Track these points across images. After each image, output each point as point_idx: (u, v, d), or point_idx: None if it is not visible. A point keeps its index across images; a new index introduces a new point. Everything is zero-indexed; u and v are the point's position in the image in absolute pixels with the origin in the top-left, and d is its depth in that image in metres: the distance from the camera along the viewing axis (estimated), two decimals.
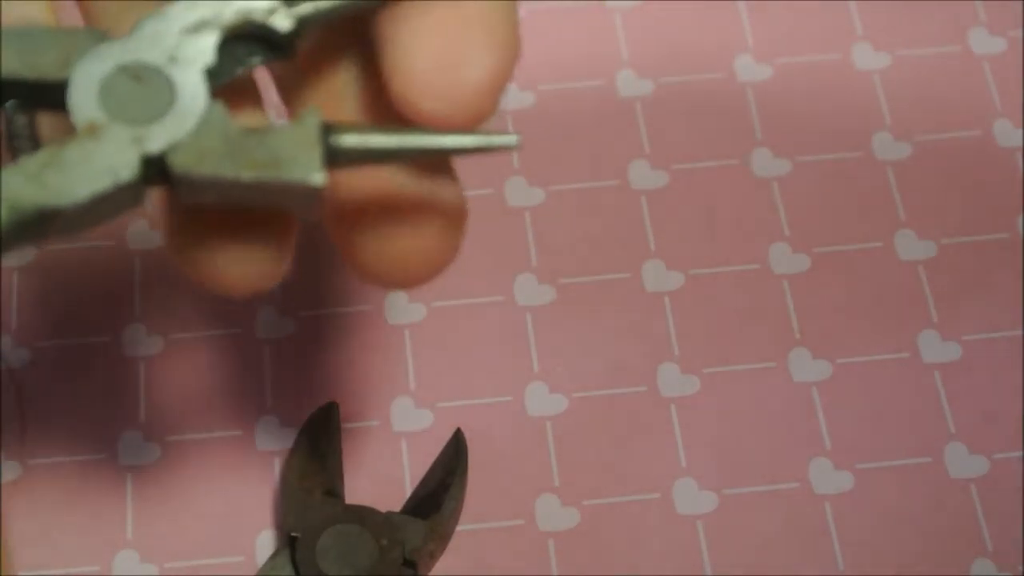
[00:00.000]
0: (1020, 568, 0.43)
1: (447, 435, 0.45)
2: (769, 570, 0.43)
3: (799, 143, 0.50)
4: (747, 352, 0.46)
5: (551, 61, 0.51)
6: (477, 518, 0.44)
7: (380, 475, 0.44)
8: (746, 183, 0.49)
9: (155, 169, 0.29)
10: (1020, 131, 0.50)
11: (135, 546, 0.43)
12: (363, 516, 0.42)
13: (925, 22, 0.52)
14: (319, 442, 0.44)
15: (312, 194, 0.29)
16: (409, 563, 0.42)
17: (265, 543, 0.43)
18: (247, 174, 0.29)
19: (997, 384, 0.46)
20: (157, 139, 0.29)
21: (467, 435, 0.45)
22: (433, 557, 0.42)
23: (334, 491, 0.43)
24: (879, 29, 0.52)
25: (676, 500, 0.44)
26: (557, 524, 0.44)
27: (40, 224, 0.29)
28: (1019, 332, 0.47)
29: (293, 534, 0.41)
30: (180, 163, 0.29)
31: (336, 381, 0.46)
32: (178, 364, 0.46)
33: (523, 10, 0.52)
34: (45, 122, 0.31)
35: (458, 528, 0.44)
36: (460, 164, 0.50)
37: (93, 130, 0.29)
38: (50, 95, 0.30)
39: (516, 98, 0.51)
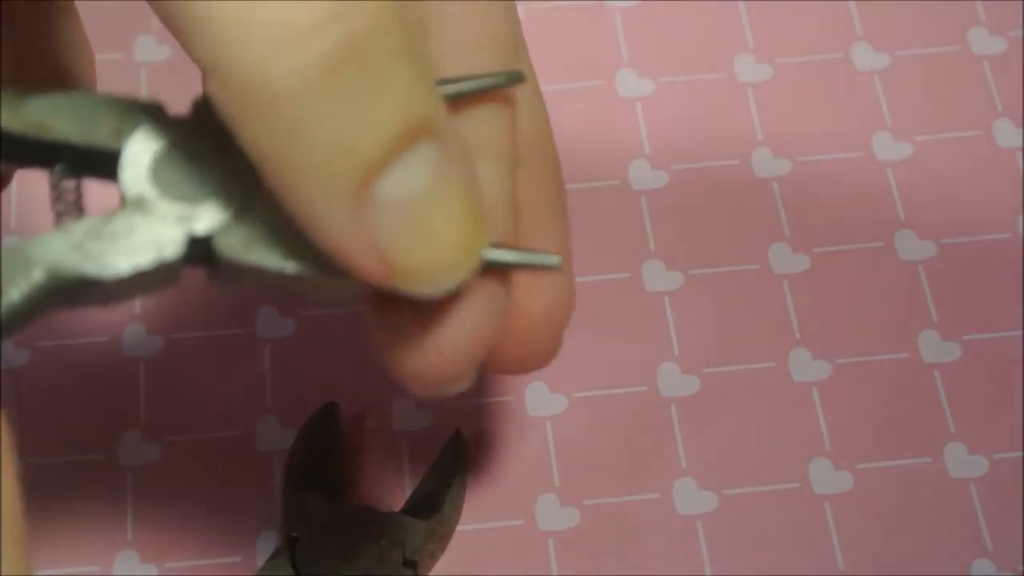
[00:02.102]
0: (1020, 568, 0.43)
1: (447, 435, 0.45)
2: (769, 570, 0.43)
3: (799, 143, 0.50)
4: (747, 352, 0.46)
5: (551, 61, 0.51)
6: (477, 518, 0.44)
7: (380, 475, 0.44)
8: (746, 183, 0.49)
9: (200, 249, 0.29)
10: (1020, 131, 0.50)
11: (135, 546, 0.43)
12: (363, 516, 0.42)
13: (925, 22, 0.52)
14: (319, 442, 0.44)
15: (354, 291, 0.29)
16: (409, 563, 0.42)
17: (265, 543, 0.43)
18: (291, 267, 0.28)
19: (997, 384, 0.46)
20: (205, 220, 0.29)
21: (467, 435, 0.45)
22: (433, 557, 0.42)
23: (334, 491, 0.43)
24: (879, 29, 0.52)
25: (676, 500, 0.44)
26: (557, 524, 0.44)
27: (77, 292, 0.28)
28: (1019, 332, 0.47)
29: (293, 534, 0.41)
30: (227, 247, 0.28)
31: (336, 381, 0.46)
32: (178, 364, 0.46)
33: (523, 10, 0.52)
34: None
35: (458, 528, 0.44)
36: None
37: (140, 204, 0.29)
38: (100, 163, 0.30)
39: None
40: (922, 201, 0.49)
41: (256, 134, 0.26)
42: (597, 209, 0.49)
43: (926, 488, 0.44)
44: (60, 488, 0.44)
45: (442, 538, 0.42)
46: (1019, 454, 0.45)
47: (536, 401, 0.46)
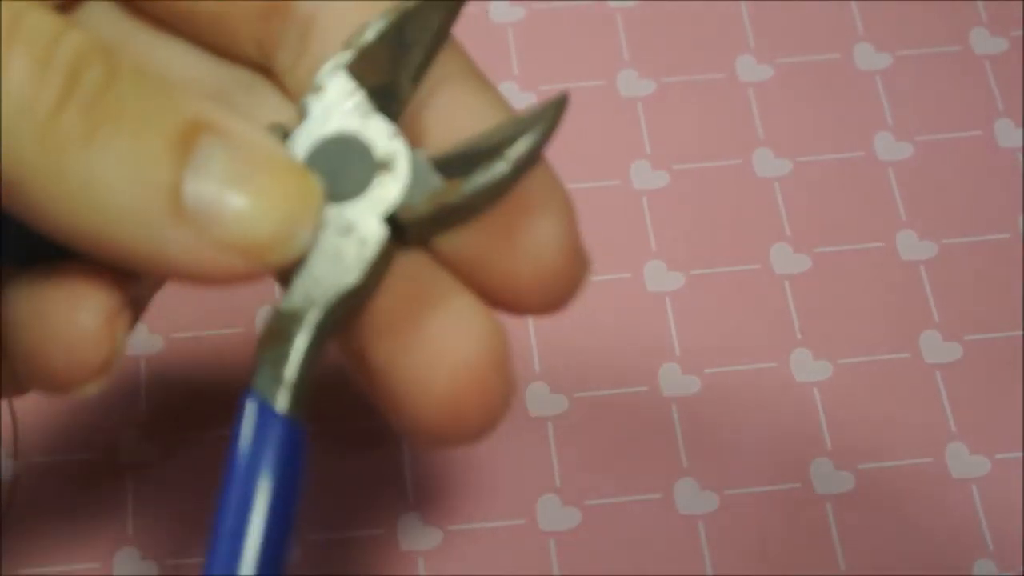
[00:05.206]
0: (1021, 569, 0.43)
1: None
2: (770, 570, 0.43)
3: (800, 143, 0.50)
4: (748, 352, 0.46)
5: (552, 61, 0.51)
6: (477, 518, 0.44)
7: (379, 475, 0.44)
8: (747, 183, 0.49)
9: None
10: (1021, 131, 0.50)
11: (136, 544, 0.43)
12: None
13: (926, 22, 0.52)
14: None
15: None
16: (390, 220, 0.29)
17: None
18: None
19: (998, 384, 0.46)
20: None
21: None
22: (429, 227, 0.29)
23: None
24: (880, 29, 0.52)
25: (677, 500, 0.44)
26: (558, 524, 0.44)
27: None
28: (1020, 332, 0.47)
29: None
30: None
31: (335, 381, 0.46)
32: (178, 364, 0.46)
33: (523, 10, 0.52)
34: None
35: (458, 528, 0.44)
36: None
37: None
38: None
39: (518, 99, 0.51)
40: (923, 201, 0.49)
41: (61, 219, 0.26)
42: (598, 209, 0.49)
43: (927, 488, 0.44)
44: (60, 486, 0.44)
45: (449, 212, 0.29)
46: (1020, 454, 0.45)
47: (537, 401, 0.46)
